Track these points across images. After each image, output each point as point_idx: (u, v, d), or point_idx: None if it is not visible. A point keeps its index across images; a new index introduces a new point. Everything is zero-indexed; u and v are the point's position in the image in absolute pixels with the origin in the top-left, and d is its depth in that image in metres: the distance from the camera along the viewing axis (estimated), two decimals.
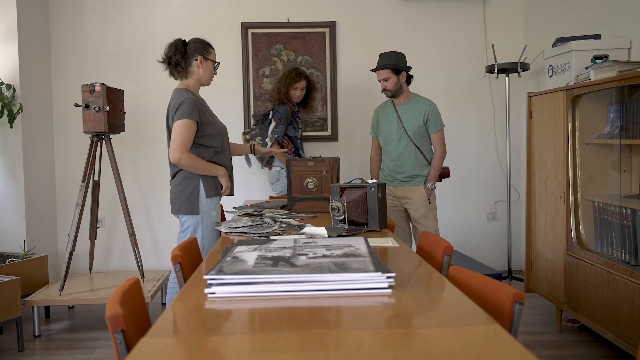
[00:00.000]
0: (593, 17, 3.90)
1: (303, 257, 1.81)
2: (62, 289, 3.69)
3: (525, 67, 4.50)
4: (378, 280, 1.54)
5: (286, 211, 3.44)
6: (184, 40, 3.01)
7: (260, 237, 2.56)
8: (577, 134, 3.29)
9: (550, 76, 3.66)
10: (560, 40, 3.46)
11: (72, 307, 4.28)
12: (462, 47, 4.99)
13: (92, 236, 4.14)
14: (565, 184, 3.32)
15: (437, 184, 3.89)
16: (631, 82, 2.73)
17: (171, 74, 3.04)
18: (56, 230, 4.82)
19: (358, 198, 2.63)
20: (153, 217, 4.92)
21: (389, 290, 1.51)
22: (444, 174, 3.72)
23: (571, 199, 3.31)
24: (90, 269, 4.28)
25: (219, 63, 3.07)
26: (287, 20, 4.94)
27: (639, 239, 2.89)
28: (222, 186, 3.02)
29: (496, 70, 4.53)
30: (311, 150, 4.92)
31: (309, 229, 2.59)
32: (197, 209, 2.90)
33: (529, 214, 3.84)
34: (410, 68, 3.68)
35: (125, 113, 4.05)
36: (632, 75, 2.68)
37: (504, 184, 5.00)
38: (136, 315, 1.55)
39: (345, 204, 2.56)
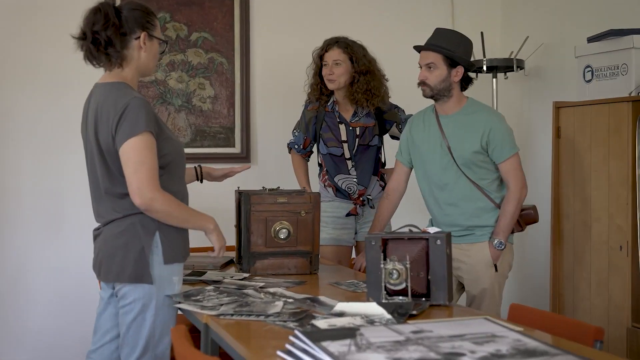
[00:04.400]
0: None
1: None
2: None
3: (520, 65, 4.73)
4: None
5: (244, 274, 3.20)
6: (114, 4, 2.66)
7: (280, 321, 2.33)
8: None
9: (588, 80, 3.85)
10: (614, 34, 3.65)
11: None
12: (424, 30, 5.07)
13: None
14: (630, 231, 3.50)
15: (519, 233, 3.56)
16: None
17: (92, 58, 2.65)
18: None
19: (418, 256, 2.51)
20: None
21: None
22: (528, 218, 3.42)
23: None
24: None
25: (167, 42, 2.80)
26: None
27: None
28: (212, 244, 2.79)
29: (484, 68, 4.70)
30: None
31: (347, 307, 2.41)
32: (149, 276, 2.58)
33: (556, 271, 3.97)
34: (473, 66, 3.41)
35: None
36: None
37: None
38: None
39: (408, 266, 2.42)
